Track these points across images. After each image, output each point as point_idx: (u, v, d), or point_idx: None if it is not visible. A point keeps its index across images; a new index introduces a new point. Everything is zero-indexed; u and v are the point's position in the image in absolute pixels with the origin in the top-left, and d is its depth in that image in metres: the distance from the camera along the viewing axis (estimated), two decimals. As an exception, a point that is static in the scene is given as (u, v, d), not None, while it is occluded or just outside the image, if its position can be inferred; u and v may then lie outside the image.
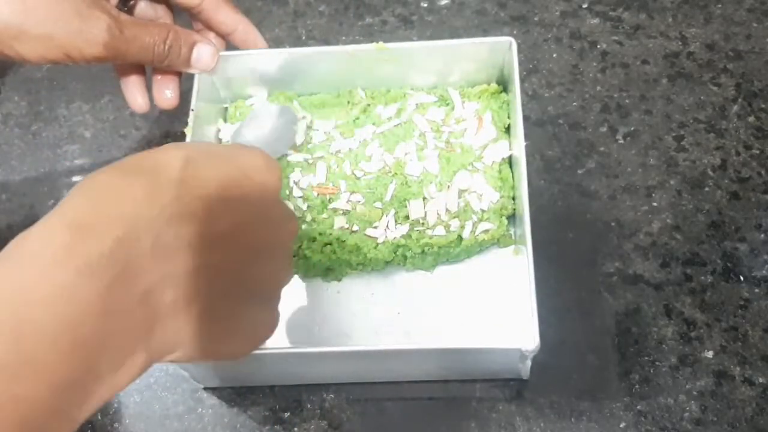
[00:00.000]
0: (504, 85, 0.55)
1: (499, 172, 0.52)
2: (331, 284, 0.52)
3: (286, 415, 0.49)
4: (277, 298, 0.37)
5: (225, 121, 0.56)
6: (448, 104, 0.55)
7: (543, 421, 0.47)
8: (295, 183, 0.53)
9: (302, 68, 0.54)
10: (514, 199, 0.51)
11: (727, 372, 0.48)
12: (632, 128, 0.57)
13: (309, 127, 0.55)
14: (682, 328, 0.49)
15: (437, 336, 0.49)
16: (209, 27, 0.52)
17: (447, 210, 0.51)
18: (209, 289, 0.30)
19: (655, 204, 0.54)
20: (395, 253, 0.50)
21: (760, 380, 0.47)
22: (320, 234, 0.50)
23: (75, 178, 0.60)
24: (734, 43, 0.60)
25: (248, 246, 0.32)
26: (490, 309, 0.50)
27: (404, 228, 0.50)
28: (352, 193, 0.52)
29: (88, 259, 0.26)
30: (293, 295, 0.52)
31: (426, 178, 0.52)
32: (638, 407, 0.47)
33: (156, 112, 0.62)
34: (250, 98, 0.56)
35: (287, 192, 0.52)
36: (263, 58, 0.53)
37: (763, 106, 0.57)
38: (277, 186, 0.34)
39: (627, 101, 0.58)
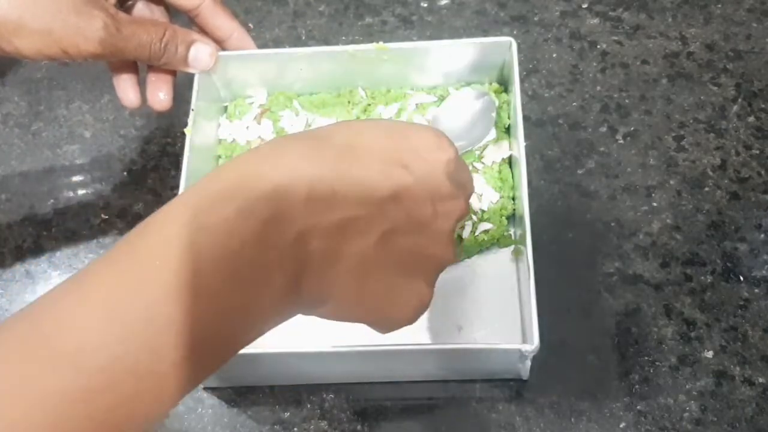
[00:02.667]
0: (504, 85, 0.55)
1: (499, 172, 0.52)
2: None
3: (286, 414, 0.49)
4: (434, 277, 0.36)
5: (225, 118, 0.57)
6: None
7: (543, 421, 0.47)
8: None
9: (302, 68, 0.54)
10: (513, 199, 0.51)
11: (727, 372, 0.48)
12: (632, 128, 0.57)
13: (308, 127, 0.55)
14: (682, 328, 0.49)
15: (437, 336, 0.49)
16: (205, 31, 0.52)
17: None
18: (360, 249, 0.31)
19: (655, 204, 0.54)
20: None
21: (760, 380, 0.47)
22: None
23: (75, 178, 0.60)
24: (734, 43, 0.60)
25: (407, 218, 0.32)
26: (489, 309, 0.50)
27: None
28: None
29: (248, 200, 0.28)
30: None
31: None
32: (638, 407, 0.47)
33: (156, 112, 0.62)
34: (249, 98, 0.57)
35: None
36: (263, 58, 0.54)
37: (763, 106, 0.57)
38: (447, 165, 0.34)
39: (627, 101, 0.58)
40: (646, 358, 0.49)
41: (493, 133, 0.53)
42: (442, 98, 0.55)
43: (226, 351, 0.29)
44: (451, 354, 0.46)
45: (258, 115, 0.55)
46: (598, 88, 0.59)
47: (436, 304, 0.50)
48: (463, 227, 0.50)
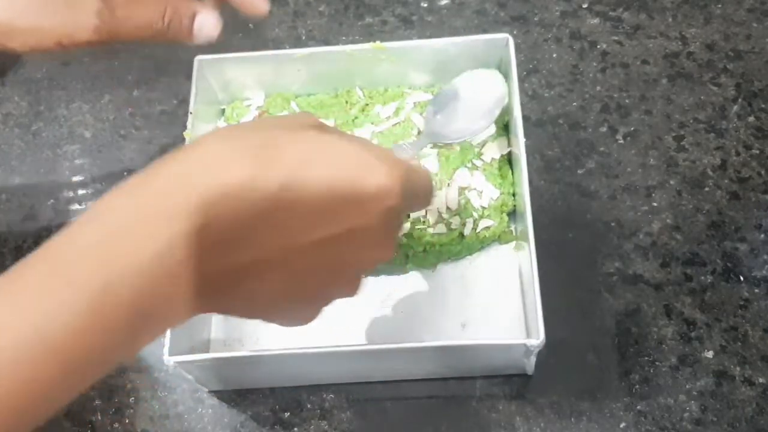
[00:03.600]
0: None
1: (499, 169, 0.52)
2: None
3: (286, 415, 0.49)
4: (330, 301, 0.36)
5: (223, 122, 0.56)
6: None
7: (543, 421, 0.47)
8: None
9: (300, 69, 0.54)
10: (514, 195, 0.51)
11: (727, 372, 0.48)
12: (632, 128, 0.57)
13: None
14: (682, 328, 0.49)
15: (441, 333, 0.49)
16: None
17: (447, 208, 0.51)
18: (265, 286, 0.31)
19: (655, 204, 0.54)
20: (397, 252, 0.50)
21: (760, 380, 0.47)
22: None
23: (75, 178, 0.60)
24: (734, 43, 0.60)
25: (325, 263, 0.32)
26: (492, 306, 0.50)
27: (405, 227, 0.50)
28: None
29: (174, 210, 0.28)
30: None
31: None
32: (638, 407, 0.47)
33: (156, 112, 0.62)
34: (247, 100, 0.57)
35: None
36: (260, 60, 0.53)
37: (763, 106, 0.57)
38: (386, 214, 0.32)
39: (627, 101, 0.58)
40: (646, 358, 0.49)
41: (492, 129, 0.53)
42: None
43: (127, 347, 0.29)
44: (456, 351, 0.46)
45: (256, 117, 0.55)
46: (598, 88, 0.59)
47: (439, 301, 0.51)
48: (464, 224, 0.50)
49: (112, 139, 0.61)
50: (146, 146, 0.60)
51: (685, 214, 0.53)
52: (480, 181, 0.51)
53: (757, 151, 0.55)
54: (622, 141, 0.57)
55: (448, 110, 0.52)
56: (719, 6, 0.62)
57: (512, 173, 0.52)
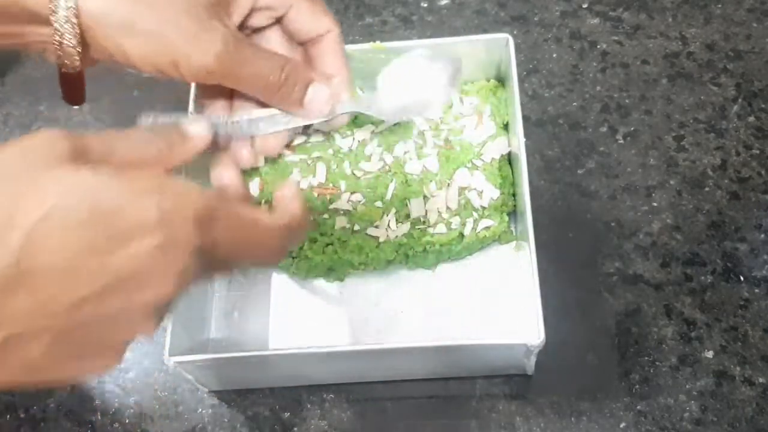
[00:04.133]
0: (502, 81, 0.55)
1: (499, 169, 0.52)
2: (333, 284, 0.52)
3: (286, 415, 0.49)
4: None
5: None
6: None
7: (543, 421, 0.47)
8: (298, 183, 0.52)
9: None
10: (514, 195, 0.51)
11: (727, 372, 0.48)
12: (632, 128, 0.57)
13: (309, 135, 0.54)
14: (682, 328, 0.49)
15: (441, 334, 0.49)
16: (311, 65, 0.47)
17: (447, 208, 0.51)
18: (29, 355, 0.27)
19: (655, 204, 0.54)
20: (397, 252, 0.50)
21: (760, 380, 0.47)
22: (321, 234, 0.50)
23: (75, 178, 0.60)
24: (734, 43, 0.60)
25: (95, 316, 0.28)
26: (492, 306, 0.50)
27: (405, 227, 0.50)
28: (353, 193, 0.51)
29: None
30: (295, 295, 0.52)
31: (426, 176, 0.52)
32: (638, 407, 0.47)
33: (156, 111, 0.62)
34: None
35: None
36: None
37: (763, 106, 0.57)
38: (158, 250, 0.27)
39: (627, 101, 0.58)
40: (646, 358, 0.49)
41: (492, 129, 0.53)
42: None
43: None
44: (456, 351, 0.45)
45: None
46: (598, 88, 0.59)
47: (439, 301, 0.51)
48: (464, 224, 0.50)
49: (112, 139, 0.61)
50: (146, 146, 0.60)
51: (685, 214, 0.53)
52: (480, 181, 0.51)
53: (757, 151, 0.55)
54: (622, 141, 0.57)
55: (390, 86, 0.48)
56: (719, 6, 0.62)
57: (512, 173, 0.52)
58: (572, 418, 0.47)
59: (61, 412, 0.51)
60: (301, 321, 0.51)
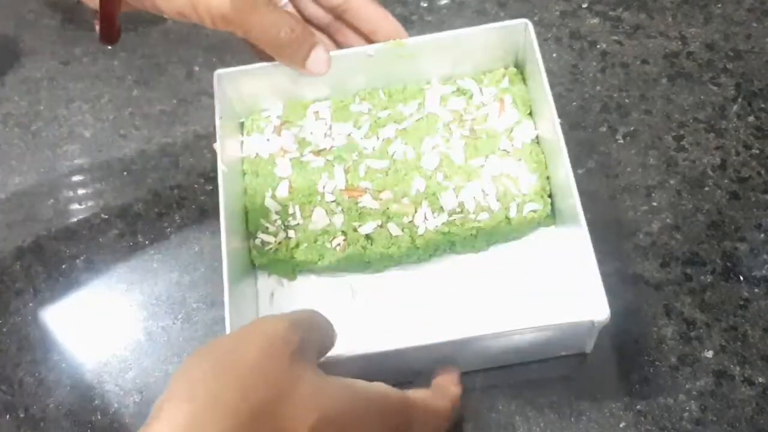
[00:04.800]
0: (521, 69, 0.55)
1: (530, 153, 0.52)
2: (369, 278, 0.52)
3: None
4: None
5: (243, 134, 0.56)
6: (465, 93, 0.55)
7: (543, 420, 0.47)
8: (323, 188, 0.52)
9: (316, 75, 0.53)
10: (548, 179, 0.51)
11: (727, 372, 0.48)
12: (632, 128, 0.57)
13: (329, 133, 0.54)
14: (682, 328, 0.49)
15: (491, 320, 0.46)
16: (352, 26, 0.51)
17: (486, 194, 0.50)
18: None
19: (655, 204, 0.54)
20: (441, 240, 0.50)
21: (760, 380, 0.47)
22: (354, 231, 0.50)
23: (75, 178, 0.60)
24: (734, 42, 0.60)
25: None
26: (542, 288, 0.50)
27: (443, 217, 0.50)
28: (380, 191, 0.51)
29: None
30: (337, 291, 0.52)
31: (450, 168, 0.51)
32: (638, 407, 0.47)
33: (156, 112, 0.62)
34: (265, 110, 0.56)
35: (318, 199, 0.52)
36: (276, 70, 0.52)
37: (763, 106, 0.57)
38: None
39: (627, 101, 0.58)
40: (646, 358, 0.49)
41: (516, 116, 0.52)
42: (459, 89, 0.55)
43: None
44: (519, 335, 0.44)
45: (278, 127, 0.55)
46: (598, 87, 0.59)
47: (480, 290, 0.50)
48: (507, 209, 0.50)
49: (112, 139, 0.61)
50: (146, 146, 0.60)
51: (685, 213, 0.53)
52: (514, 167, 0.51)
53: (757, 151, 0.55)
54: (622, 141, 0.57)
55: None
56: (719, 6, 0.62)
57: (544, 156, 0.52)
58: (572, 418, 0.47)
59: (61, 412, 0.51)
60: (349, 318, 0.49)
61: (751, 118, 0.57)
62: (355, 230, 0.51)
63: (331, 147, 0.54)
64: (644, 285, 0.51)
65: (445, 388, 0.44)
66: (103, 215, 0.58)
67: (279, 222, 0.52)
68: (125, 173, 0.59)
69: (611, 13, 0.63)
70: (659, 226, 0.53)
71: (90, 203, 0.58)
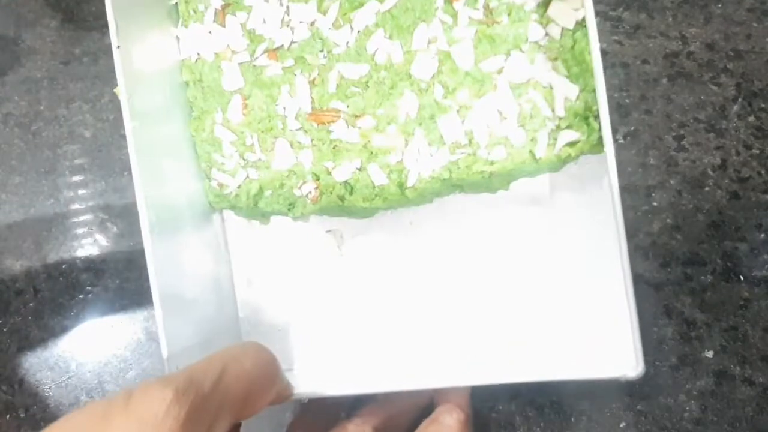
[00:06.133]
0: None
1: (574, 47, 0.35)
2: (365, 221, 0.42)
3: (287, 415, 0.49)
4: None
5: (178, 24, 0.42)
6: None
7: (543, 421, 0.47)
8: (284, 109, 0.40)
9: None
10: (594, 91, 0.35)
11: (727, 372, 0.48)
12: (632, 128, 0.57)
13: (287, 22, 0.40)
14: (682, 328, 0.49)
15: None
16: None
17: (503, 117, 0.36)
18: None
19: (655, 204, 0.54)
20: (440, 185, 0.37)
21: (760, 380, 0.47)
22: (328, 173, 0.39)
23: (75, 178, 0.60)
24: (734, 42, 0.60)
25: None
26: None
27: (444, 154, 0.36)
28: (359, 116, 0.38)
29: None
30: (320, 237, 0.43)
31: (456, 76, 0.36)
32: (638, 407, 0.47)
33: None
34: None
35: (280, 125, 0.40)
36: None
37: (763, 106, 0.57)
38: None
39: (627, 101, 0.58)
40: (646, 358, 0.48)
41: None
42: (490, 9, 0.36)
43: None
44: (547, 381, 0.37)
45: (219, 12, 0.41)
46: (598, 87, 0.59)
47: (499, 264, 0.41)
48: (534, 140, 0.35)
49: (112, 139, 0.61)
50: (146, 146, 0.60)
51: (685, 213, 0.53)
52: (546, 72, 0.34)
53: (757, 151, 0.55)
54: (622, 141, 0.57)
55: None
56: (719, 6, 0.62)
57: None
58: (572, 418, 0.47)
59: (61, 412, 0.51)
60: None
61: (751, 118, 0.57)
62: (328, 173, 0.39)
63: (291, 43, 0.40)
64: (644, 285, 0.51)
65: (449, 414, 0.39)
66: (103, 215, 0.58)
67: (236, 156, 0.41)
68: (125, 173, 0.59)
69: (611, 13, 0.63)
70: (659, 226, 0.53)
71: (90, 203, 0.58)
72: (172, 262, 0.37)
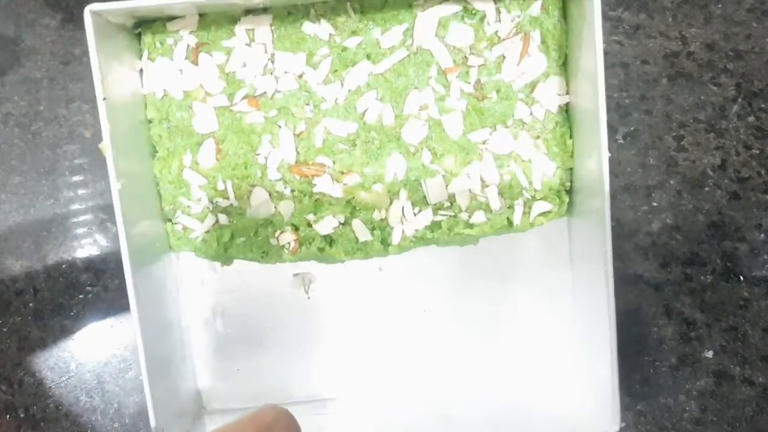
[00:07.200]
0: None
1: (555, 128, 0.36)
2: (336, 266, 0.41)
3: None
4: None
5: (142, 56, 0.39)
6: (475, 15, 0.38)
7: (543, 421, 0.47)
8: (266, 159, 0.37)
9: None
10: (571, 170, 0.37)
11: (727, 372, 0.48)
12: (632, 128, 0.57)
13: (270, 64, 0.37)
14: (682, 328, 0.49)
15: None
16: None
17: (485, 184, 0.36)
18: None
19: (655, 204, 0.54)
20: (421, 243, 0.38)
21: (760, 380, 0.47)
22: (309, 226, 0.38)
23: (75, 178, 0.60)
24: (734, 43, 0.60)
25: None
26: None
27: (426, 215, 0.37)
28: (345, 173, 0.37)
29: None
30: (286, 282, 0.42)
31: (445, 144, 0.36)
32: (638, 407, 0.47)
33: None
34: (171, 21, 0.38)
35: (258, 174, 0.37)
36: None
37: (763, 106, 0.57)
38: None
39: (627, 101, 0.58)
40: (646, 358, 0.48)
41: (543, 65, 0.36)
42: (467, 10, 0.37)
43: None
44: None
45: (193, 49, 0.38)
46: (598, 88, 0.59)
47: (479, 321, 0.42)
48: (511, 207, 0.37)
49: (112, 139, 0.61)
50: (146, 146, 0.60)
51: (685, 214, 0.53)
52: (528, 148, 0.36)
53: (757, 151, 0.55)
54: (622, 141, 0.57)
55: None
56: (719, 6, 0.62)
57: (571, 137, 0.36)
58: (572, 418, 0.47)
59: (61, 412, 0.51)
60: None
61: (751, 118, 0.57)
62: (309, 225, 0.38)
63: (275, 92, 0.38)
64: (644, 285, 0.51)
65: None
66: (102, 215, 0.58)
67: (204, 200, 0.38)
68: (125, 173, 0.59)
69: (611, 13, 0.63)
70: (659, 226, 0.53)
71: (90, 203, 0.58)
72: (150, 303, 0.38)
